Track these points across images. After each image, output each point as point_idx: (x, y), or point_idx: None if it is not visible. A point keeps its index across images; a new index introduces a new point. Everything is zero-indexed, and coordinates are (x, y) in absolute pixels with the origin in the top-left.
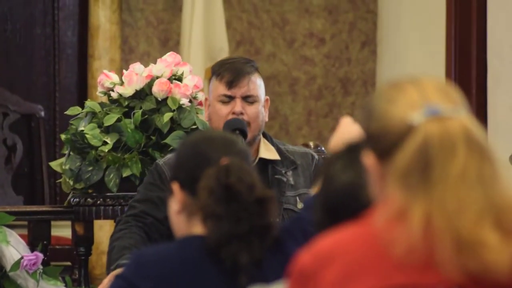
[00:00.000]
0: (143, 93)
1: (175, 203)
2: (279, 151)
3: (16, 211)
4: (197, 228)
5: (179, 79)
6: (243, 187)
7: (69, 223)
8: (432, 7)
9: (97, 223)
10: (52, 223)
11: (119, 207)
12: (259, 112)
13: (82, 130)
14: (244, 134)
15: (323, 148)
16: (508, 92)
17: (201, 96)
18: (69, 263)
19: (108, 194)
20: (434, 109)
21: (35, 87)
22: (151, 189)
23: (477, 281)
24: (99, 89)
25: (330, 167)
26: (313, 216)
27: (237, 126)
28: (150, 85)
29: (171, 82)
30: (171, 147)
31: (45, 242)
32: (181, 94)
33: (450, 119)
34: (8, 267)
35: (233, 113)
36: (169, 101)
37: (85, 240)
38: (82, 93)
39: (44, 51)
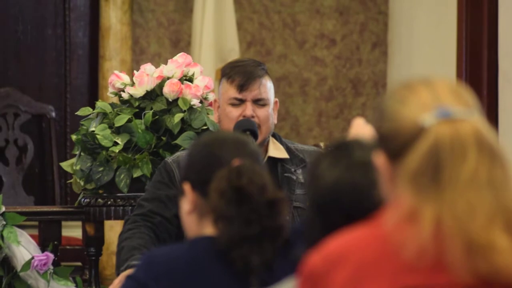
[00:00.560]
0: (154, 94)
1: (187, 203)
2: (288, 149)
3: (27, 211)
4: (208, 229)
5: (190, 79)
6: (254, 189)
7: (79, 223)
8: (443, 8)
9: (108, 224)
10: (63, 223)
11: (130, 207)
12: (269, 114)
13: (93, 131)
14: (254, 135)
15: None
16: None
17: (211, 97)
18: (79, 264)
19: (119, 194)
20: (446, 111)
21: (46, 88)
22: (160, 187)
23: (487, 284)
24: (110, 89)
25: (316, 165)
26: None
27: (248, 127)
28: (161, 85)
29: (182, 83)
30: (181, 148)
31: (55, 242)
32: (191, 94)
33: (462, 122)
34: (19, 267)
35: (244, 116)
36: (179, 102)
37: (95, 240)
38: (93, 93)
39: (55, 52)
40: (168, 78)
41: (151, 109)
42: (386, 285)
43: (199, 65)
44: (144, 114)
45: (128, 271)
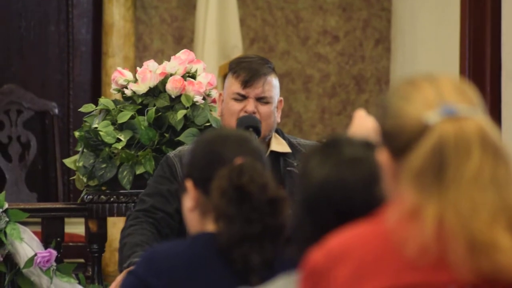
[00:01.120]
0: (156, 91)
1: (189, 200)
2: (290, 144)
3: (30, 208)
4: (210, 226)
5: (193, 76)
6: (255, 188)
7: (82, 220)
8: (446, 4)
9: (111, 220)
10: (66, 220)
11: (133, 204)
12: (272, 112)
13: (96, 127)
14: (257, 131)
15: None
16: None
17: (214, 94)
18: (82, 260)
19: (122, 191)
20: (450, 109)
21: (49, 85)
22: (161, 182)
23: (489, 282)
24: (113, 86)
25: (306, 163)
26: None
27: (251, 124)
28: (164, 82)
29: (185, 80)
30: (184, 145)
31: (58, 239)
32: (194, 91)
33: (466, 120)
34: (21, 264)
35: (245, 111)
36: (182, 99)
37: (98, 237)
38: (96, 90)
39: (58, 48)
40: (171, 74)
41: (154, 105)
42: (387, 283)
43: (202, 61)
44: (147, 111)
45: (131, 268)
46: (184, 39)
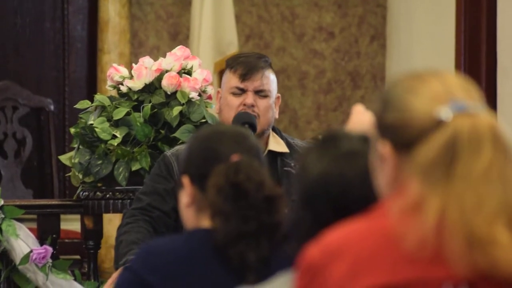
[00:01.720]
0: (152, 87)
1: (185, 196)
2: (288, 144)
3: (26, 204)
4: (206, 222)
5: (189, 73)
6: (251, 185)
7: (78, 216)
8: (441, 1)
9: (106, 217)
10: (61, 216)
11: (128, 200)
12: (270, 106)
13: (92, 124)
14: (253, 128)
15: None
16: None
17: (210, 90)
18: (78, 257)
19: (117, 187)
20: (461, 105)
21: (44, 81)
22: (158, 181)
23: (485, 278)
24: (109, 83)
25: (304, 158)
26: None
27: (246, 120)
28: (159, 79)
29: (181, 76)
30: (180, 141)
31: (54, 235)
32: (190, 88)
33: (477, 116)
34: (17, 261)
35: (244, 104)
36: (178, 95)
37: (94, 233)
38: (91, 87)
39: (53, 45)
40: (167, 71)
41: (150, 102)
42: (384, 278)
43: (197, 58)
44: (143, 107)
45: (127, 264)
46: (179, 35)
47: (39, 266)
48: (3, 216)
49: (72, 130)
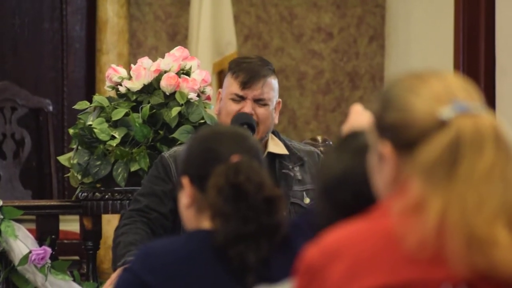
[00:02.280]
0: (151, 88)
1: (185, 197)
2: (286, 146)
3: (24, 205)
4: (206, 223)
5: (187, 73)
6: (251, 186)
7: (77, 217)
8: (440, 1)
9: (105, 218)
10: (60, 217)
11: (127, 201)
12: (269, 114)
13: (90, 125)
14: (252, 129)
15: (331, 143)
16: None
17: (209, 91)
18: (77, 258)
19: (116, 188)
20: (463, 105)
21: (43, 82)
22: (156, 182)
23: (484, 279)
24: (107, 83)
25: (325, 155)
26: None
27: (245, 121)
28: (158, 79)
29: (179, 77)
30: (179, 142)
31: (53, 236)
32: (189, 88)
33: (480, 116)
34: (16, 262)
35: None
36: (177, 96)
37: (93, 234)
38: (90, 87)
39: (52, 45)
40: (165, 71)
41: (148, 102)
42: (383, 279)
43: (196, 58)
44: (141, 108)
45: (126, 265)
46: (178, 36)
47: (38, 267)
48: (2, 217)
49: (71, 130)
